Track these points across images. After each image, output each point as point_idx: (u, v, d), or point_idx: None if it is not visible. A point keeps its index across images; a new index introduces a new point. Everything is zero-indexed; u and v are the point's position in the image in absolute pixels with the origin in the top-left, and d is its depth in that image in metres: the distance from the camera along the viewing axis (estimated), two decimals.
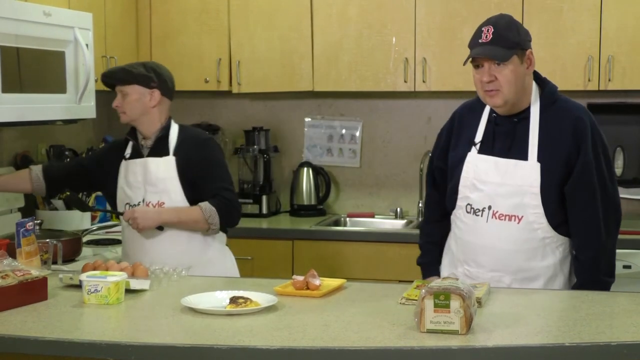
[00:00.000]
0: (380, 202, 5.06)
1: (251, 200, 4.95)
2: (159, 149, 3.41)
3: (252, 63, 4.81)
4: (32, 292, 2.65)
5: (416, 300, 2.42)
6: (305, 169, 5.02)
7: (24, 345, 2.32)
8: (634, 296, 2.73)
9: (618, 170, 4.60)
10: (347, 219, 5.01)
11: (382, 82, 4.68)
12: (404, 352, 2.20)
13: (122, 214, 3.35)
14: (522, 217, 2.89)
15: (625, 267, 4.11)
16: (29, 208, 4.22)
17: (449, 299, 2.27)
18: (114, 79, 3.41)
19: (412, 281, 2.86)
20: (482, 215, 2.94)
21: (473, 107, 3.06)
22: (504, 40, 2.83)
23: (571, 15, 4.40)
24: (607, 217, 2.93)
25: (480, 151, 2.98)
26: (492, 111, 2.99)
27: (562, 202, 2.91)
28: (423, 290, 2.31)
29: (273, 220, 4.92)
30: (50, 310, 2.59)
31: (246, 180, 5.05)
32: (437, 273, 3.11)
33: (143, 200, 3.39)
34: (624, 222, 4.46)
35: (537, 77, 3.00)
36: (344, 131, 5.12)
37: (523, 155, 2.90)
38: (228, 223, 3.42)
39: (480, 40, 2.85)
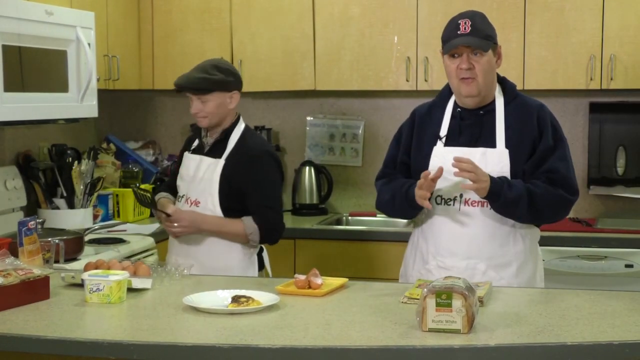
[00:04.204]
0: None
1: None
2: (217, 149, 3.43)
3: (254, 62, 4.80)
4: (34, 291, 2.66)
5: (418, 299, 2.42)
6: (307, 168, 5.02)
7: (26, 344, 2.32)
8: (636, 295, 2.73)
9: (620, 169, 4.61)
10: (349, 218, 5.01)
11: (384, 81, 4.68)
12: (405, 351, 2.20)
13: (169, 215, 3.33)
14: None
15: (627, 266, 4.11)
16: (31, 207, 4.23)
17: (451, 298, 2.27)
18: (196, 90, 3.36)
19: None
20: (453, 205, 3.01)
21: (434, 106, 3.17)
22: (482, 32, 2.97)
23: (573, 15, 4.40)
24: (559, 187, 2.98)
25: (446, 144, 3.05)
26: (456, 106, 3.09)
27: None
28: (425, 290, 2.31)
29: None
30: (52, 309, 2.60)
31: None
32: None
33: (184, 195, 3.45)
34: (626, 222, 4.51)
35: (497, 76, 3.11)
36: (345, 130, 5.12)
37: (491, 144, 3.00)
38: (268, 241, 3.43)
39: (459, 32, 2.97)
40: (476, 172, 2.86)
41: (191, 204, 3.42)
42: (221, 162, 3.38)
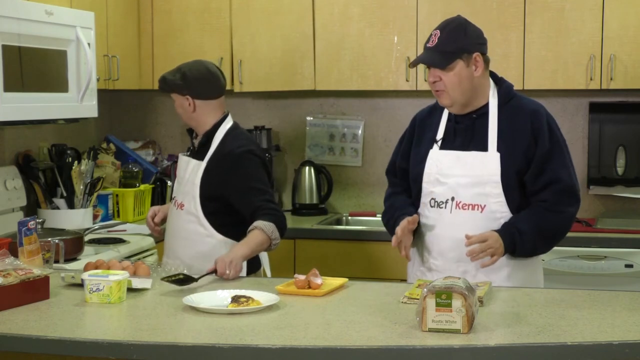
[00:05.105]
0: (382, 201, 5.03)
1: None
2: (202, 151, 3.40)
3: (254, 62, 4.81)
4: (34, 291, 2.66)
5: (418, 299, 2.42)
6: (307, 167, 5.02)
7: (26, 344, 2.33)
8: (636, 295, 2.73)
9: (620, 169, 4.61)
10: (349, 218, 5.02)
11: (384, 81, 4.68)
12: (405, 351, 2.20)
13: (215, 271, 3.05)
14: (484, 206, 2.98)
15: (627, 266, 4.11)
16: (31, 207, 4.23)
17: (451, 298, 2.27)
18: (160, 89, 3.47)
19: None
20: (445, 207, 3.02)
21: (433, 110, 3.19)
22: (446, 46, 2.96)
23: (573, 15, 4.40)
24: (564, 200, 3.01)
25: (441, 147, 3.07)
26: None
27: (523, 191, 3.01)
28: (425, 290, 2.31)
29: None
30: (52, 309, 2.60)
31: None
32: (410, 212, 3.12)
33: (174, 197, 3.46)
34: (626, 222, 4.51)
35: (494, 77, 3.10)
36: (345, 130, 5.12)
37: (483, 148, 3.01)
38: (282, 236, 3.27)
39: (427, 45, 3.00)
40: (490, 245, 2.90)
41: (178, 206, 3.42)
42: (203, 164, 3.36)
